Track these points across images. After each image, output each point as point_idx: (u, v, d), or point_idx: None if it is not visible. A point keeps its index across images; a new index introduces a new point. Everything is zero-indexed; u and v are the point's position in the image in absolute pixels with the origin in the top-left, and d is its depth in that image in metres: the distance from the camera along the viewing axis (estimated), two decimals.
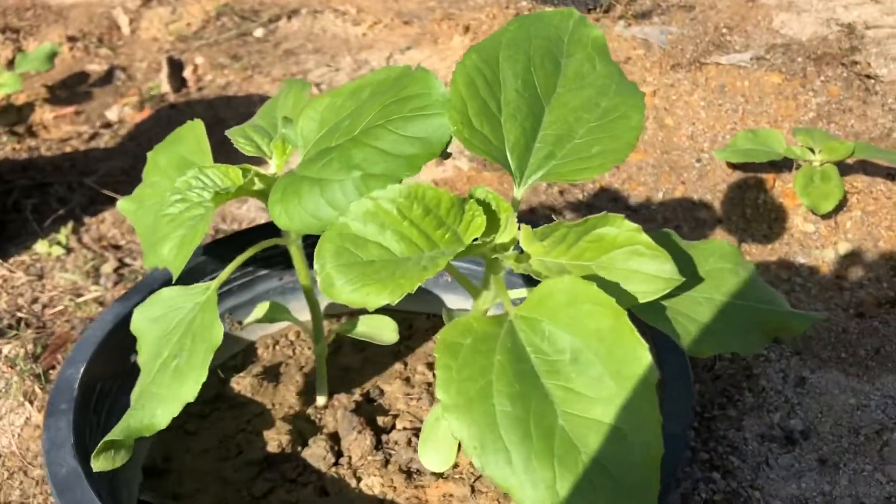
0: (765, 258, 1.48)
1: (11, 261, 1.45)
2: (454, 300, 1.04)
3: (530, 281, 0.73)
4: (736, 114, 1.77)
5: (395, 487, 0.81)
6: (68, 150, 1.85)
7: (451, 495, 0.80)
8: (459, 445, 0.75)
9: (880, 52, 1.94)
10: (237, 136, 0.80)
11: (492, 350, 0.56)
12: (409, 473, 0.83)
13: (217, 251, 0.95)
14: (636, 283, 0.60)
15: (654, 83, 1.88)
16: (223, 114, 1.96)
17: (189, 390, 0.66)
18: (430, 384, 0.95)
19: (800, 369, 1.25)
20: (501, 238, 0.65)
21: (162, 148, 0.84)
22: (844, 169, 1.59)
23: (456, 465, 0.82)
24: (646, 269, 0.59)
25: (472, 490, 0.80)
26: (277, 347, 1.01)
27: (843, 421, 1.16)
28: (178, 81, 2.10)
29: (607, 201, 1.62)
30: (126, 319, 0.85)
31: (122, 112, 2.02)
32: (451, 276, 1.01)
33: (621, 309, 0.54)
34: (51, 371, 1.22)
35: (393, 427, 0.89)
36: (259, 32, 2.28)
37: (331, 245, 0.59)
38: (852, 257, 1.47)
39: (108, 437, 0.67)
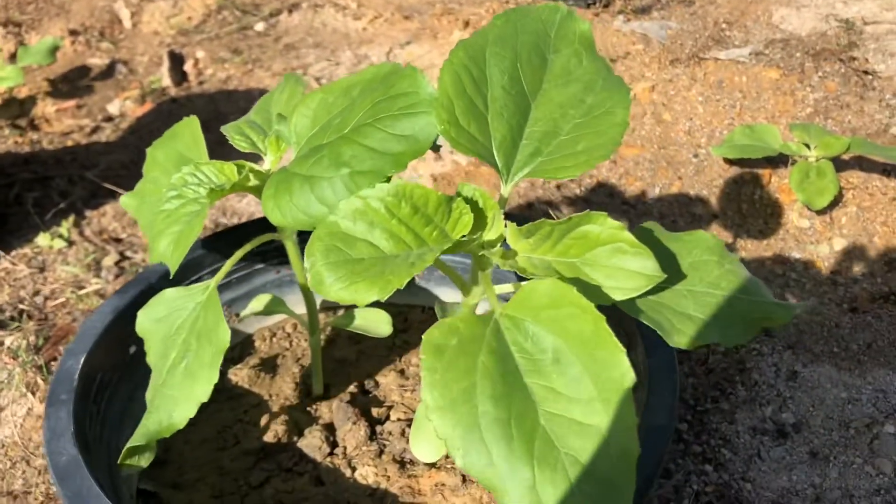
0: (760, 253, 1.49)
1: (13, 253, 1.47)
2: (448, 293, 1.06)
3: (520, 276, 0.74)
4: (734, 109, 1.78)
5: (388, 477, 0.83)
6: (70, 143, 1.86)
7: (443, 485, 0.81)
8: None
9: (878, 47, 1.94)
10: (233, 133, 0.81)
11: (477, 351, 0.58)
12: (402, 463, 0.84)
13: (215, 245, 0.96)
14: (620, 279, 0.61)
15: (652, 78, 1.89)
16: (224, 108, 1.98)
17: (202, 391, 0.68)
18: None
19: (792, 363, 1.26)
20: (489, 235, 0.66)
21: (160, 144, 0.86)
22: (840, 165, 1.60)
23: (447, 456, 0.83)
24: (629, 265, 0.61)
25: (464, 479, 0.81)
26: (274, 339, 1.02)
27: (835, 414, 1.18)
28: (179, 75, 2.11)
29: (604, 196, 1.63)
30: (125, 311, 0.87)
31: (124, 106, 2.03)
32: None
33: (601, 315, 0.55)
34: (52, 362, 1.24)
35: (387, 418, 0.90)
36: (260, 26, 2.29)
37: (321, 243, 0.61)
38: (847, 253, 1.48)
39: (130, 444, 0.69)
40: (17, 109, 2.04)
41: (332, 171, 0.66)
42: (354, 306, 0.90)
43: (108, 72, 2.20)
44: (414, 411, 0.90)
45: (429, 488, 0.81)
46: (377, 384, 0.96)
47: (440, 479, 0.81)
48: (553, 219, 1.58)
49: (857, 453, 1.12)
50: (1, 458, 1.12)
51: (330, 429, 0.89)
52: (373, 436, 0.87)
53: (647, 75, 1.89)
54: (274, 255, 1.02)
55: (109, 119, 1.99)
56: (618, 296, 0.62)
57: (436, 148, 0.70)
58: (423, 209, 0.63)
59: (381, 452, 0.85)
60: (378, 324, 0.85)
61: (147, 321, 0.75)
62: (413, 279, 1.07)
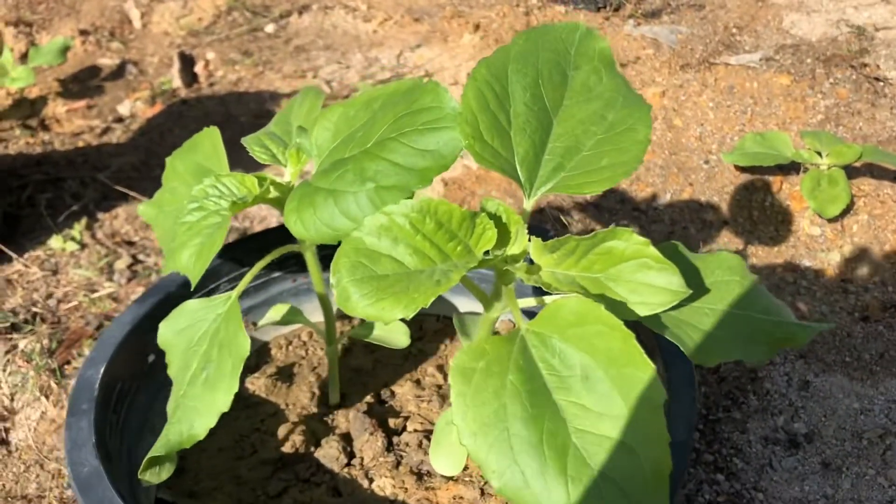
0: (771, 261, 1.49)
1: (26, 256, 1.47)
2: (465, 303, 1.06)
3: (540, 290, 0.74)
4: (744, 115, 1.78)
5: (406, 489, 0.83)
6: (81, 144, 1.87)
7: (461, 497, 0.82)
8: None
9: (890, 54, 1.94)
10: (253, 145, 0.82)
11: (504, 370, 0.58)
12: (419, 475, 0.85)
13: (232, 254, 0.96)
14: (644, 294, 0.61)
15: (663, 83, 1.89)
16: (234, 110, 1.98)
17: (223, 401, 0.68)
18: (440, 386, 0.97)
19: (804, 373, 1.26)
20: (512, 250, 0.66)
21: (179, 154, 0.86)
22: (852, 172, 1.60)
23: (466, 468, 0.83)
24: (654, 281, 0.61)
25: (482, 493, 0.82)
26: (290, 348, 1.03)
27: (847, 425, 1.18)
28: (189, 77, 2.11)
29: (615, 202, 1.63)
30: (143, 321, 0.87)
31: (134, 107, 2.04)
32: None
33: (630, 332, 0.56)
34: (66, 366, 1.25)
35: (404, 429, 0.91)
36: (270, 28, 2.29)
37: (346, 260, 0.61)
38: (858, 261, 1.48)
39: (151, 454, 0.70)
40: (27, 110, 2.04)
41: (357, 186, 0.67)
42: None
43: (119, 72, 2.20)
44: (431, 422, 0.91)
45: (446, 501, 0.81)
46: (393, 394, 0.96)
47: (458, 491, 0.82)
48: (564, 225, 1.58)
49: (870, 464, 1.12)
50: (15, 461, 1.12)
51: (347, 439, 0.89)
52: (390, 446, 0.87)
53: (658, 80, 1.89)
54: (291, 263, 1.02)
55: (120, 120, 1.99)
56: (643, 311, 0.62)
57: None
58: (447, 224, 0.63)
59: (398, 464, 0.86)
60: (396, 335, 0.85)
61: (169, 333, 0.76)
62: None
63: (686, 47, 2.02)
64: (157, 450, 0.69)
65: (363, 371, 0.99)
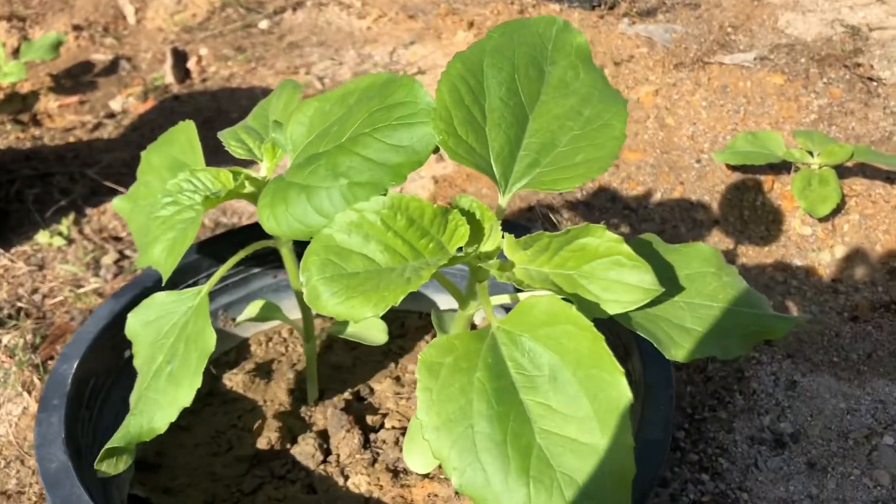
0: (761, 260, 1.48)
1: (13, 251, 1.47)
2: (445, 300, 1.05)
3: (517, 288, 0.74)
4: (737, 114, 1.77)
5: (381, 486, 0.82)
6: (72, 139, 1.86)
7: (435, 495, 0.81)
8: None
9: (884, 54, 1.93)
10: (229, 139, 0.81)
11: (473, 367, 0.57)
12: (395, 473, 0.84)
13: (211, 249, 0.96)
14: (617, 292, 0.61)
15: (656, 82, 1.88)
16: (226, 106, 1.97)
17: (185, 396, 0.68)
18: None
19: (791, 372, 1.25)
20: (485, 247, 0.65)
21: (155, 148, 0.85)
22: (843, 172, 1.59)
23: (441, 467, 0.83)
24: (626, 279, 0.60)
25: (457, 491, 0.81)
26: (270, 344, 1.02)
27: (833, 425, 1.17)
28: (181, 72, 2.11)
29: (606, 201, 1.62)
30: (120, 316, 0.86)
31: (126, 102, 2.03)
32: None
33: (599, 334, 0.55)
34: (49, 361, 1.24)
35: (381, 426, 0.90)
36: (264, 24, 2.28)
37: (316, 258, 0.60)
38: (849, 260, 1.47)
39: (109, 444, 0.69)
40: (19, 105, 2.03)
41: (330, 182, 0.66)
42: None
43: (112, 68, 2.20)
44: (409, 419, 0.90)
45: (421, 498, 0.81)
46: (372, 391, 0.95)
47: (433, 489, 0.81)
48: (553, 223, 1.57)
49: (856, 464, 1.11)
50: None
51: (324, 436, 0.88)
52: (366, 444, 0.87)
53: (651, 79, 1.89)
54: (271, 259, 1.01)
55: (112, 116, 1.98)
56: (615, 309, 0.61)
57: (436, 149, 0.70)
58: (419, 221, 0.63)
59: (374, 461, 0.85)
60: (373, 331, 0.85)
61: (137, 324, 0.75)
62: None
63: (680, 46, 2.01)
64: (115, 441, 0.68)
65: (343, 368, 0.98)
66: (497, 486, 0.52)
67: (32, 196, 1.61)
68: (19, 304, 1.35)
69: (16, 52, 2.20)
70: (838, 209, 1.54)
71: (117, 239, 1.51)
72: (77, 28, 2.31)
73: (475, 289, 0.68)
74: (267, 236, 0.83)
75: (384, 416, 0.91)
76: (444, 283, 0.69)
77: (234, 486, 0.84)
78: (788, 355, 1.29)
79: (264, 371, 0.98)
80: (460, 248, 0.64)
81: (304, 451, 0.86)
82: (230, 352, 1.01)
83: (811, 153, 1.54)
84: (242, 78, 2.07)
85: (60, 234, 1.49)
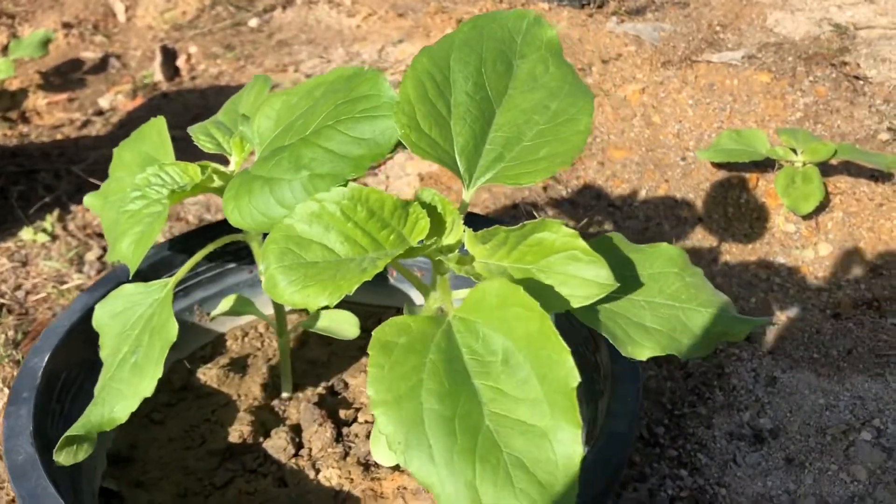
0: (745, 257, 1.48)
1: None
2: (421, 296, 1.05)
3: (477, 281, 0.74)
4: (723, 112, 1.77)
5: (352, 479, 0.83)
6: (59, 137, 1.87)
7: (405, 488, 0.81)
8: None
9: (870, 52, 1.93)
10: (198, 134, 0.81)
11: (426, 349, 0.57)
12: (366, 466, 0.84)
13: (185, 245, 0.96)
14: (573, 287, 0.61)
15: (643, 80, 1.88)
16: (214, 103, 1.98)
17: (146, 386, 0.68)
18: None
19: (772, 369, 1.26)
20: (447, 240, 0.66)
21: (127, 144, 0.86)
22: (828, 169, 1.59)
23: None
24: (582, 273, 0.60)
25: None
26: (246, 339, 1.02)
27: (812, 420, 1.17)
28: (171, 70, 2.11)
29: (591, 198, 1.62)
30: (93, 310, 0.86)
31: (115, 100, 2.03)
32: (420, 273, 1.02)
33: (545, 313, 0.55)
34: None
35: (354, 420, 0.90)
36: (253, 22, 2.28)
37: (275, 246, 0.61)
38: (832, 258, 1.47)
39: (69, 433, 0.69)
40: (8, 102, 2.04)
41: (292, 174, 0.66)
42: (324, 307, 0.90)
43: (101, 65, 2.20)
44: None
45: (391, 491, 0.81)
46: (347, 385, 0.96)
47: (403, 482, 0.81)
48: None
49: (833, 460, 1.12)
50: None
51: (296, 430, 0.89)
52: (339, 438, 0.87)
53: (639, 77, 1.89)
54: (246, 253, 1.02)
55: (100, 113, 1.99)
56: (573, 303, 0.62)
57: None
58: (380, 213, 0.63)
59: (346, 454, 0.85)
60: (345, 325, 0.85)
61: (104, 315, 0.76)
62: (387, 280, 1.07)
63: (668, 44, 2.01)
64: (75, 429, 0.69)
65: (318, 363, 0.98)
66: (441, 464, 0.52)
67: (17, 193, 1.61)
68: (1, 301, 1.35)
69: (4, 50, 2.20)
70: (822, 207, 1.54)
71: (101, 235, 1.52)
72: (67, 25, 2.32)
73: (437, 281, 0.68)
74: (238, 231, 0.83)
75: (357, 410, 0.91)
76: (407, 276, 0.69)
77: (206, 480, 0.84)
78: (769, 351, 1.29)
79: (239, 366, 0.98)
80: (421, 241, 0.64)
81: (277, 444, 0.86)
82: (206, 346, 1.01)
83: (795, 151, 1.54)
84: (231, 76, 2.07)
85: (44, 230, 1.49)
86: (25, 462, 0.70)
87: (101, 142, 1.84)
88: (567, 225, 1.67)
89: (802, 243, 1.51)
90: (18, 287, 1.38)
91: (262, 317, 0.90)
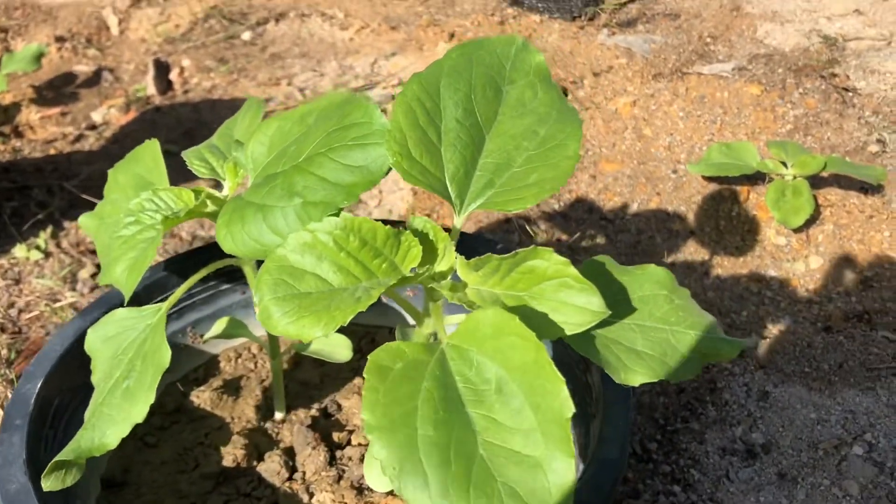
0: (736, 270, 1.49)
1: None
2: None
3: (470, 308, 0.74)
4: (714, 125, 1.78)
5: (345, 503, 0.83)
6: (52, 151, 1.86)
7: None
8: None
9: (860, 64, 1.95)
10: (192, 159, 0.82)
11: (420, 376, 0.58)
12: (360, 490, 0.84)
13: (178, 267, 0.96)
14: (566, 314, 0.61)
15: (634, 93, 1.89)
16: (207, 117, 1.98)
17: (138, 412, 0.68)
18: None
19: (763, 383, 1.26)
20: (439, 267, 0.66)
21: (121, 166, 0.86)
22: (819, 182, 1.60)
23: None
24: (574, 301, 0.61)
25: None
26: (240, 361, 1.02)
27: (804, 435, 1.18)
28: (163, 84, 2.11)
29: (583, 211, 1.63)
30: (85, 334, 0.86)
31: (108, 114, 2.03)
32: (412, 293, 1.03)
33: (541, 343, 0.55)
34: None
35: (348, 443, 0.90)
36: (246, 35, 2.29)
37: (269, 277, 0.61)
38: (823, 271, 1.48)
39: (58, 457, 0.69)
40: (1, 116, 2.03)
41: (285, 201, 0.67)
42: None
43: (94, 79, 2.20)
44: None
45: None
46: (340, 407, 0.96)
47: None
48: (529, 235, 1.57)
49: (825, 475, 1.12)
50: None
51: (290, 453, 0.89)
52: (332, 461, 0.87)
53: (630, 90, 1.90)
54: (240, 274, 1.02)
55: (93, 127, 1.99)
56: (566, 330, 0.62)
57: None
58: (372, 242, 0.63)
59: (339, 478, 0.85)
60: (337, 348, 0.85)
61: (96, 339, 0.76)
62: (380, 299, 1.07)
63: (659, 57, 2.02)
64: (65, 454, 0.69)
65: (311, 385, 0.99)
66: (436, 491, 0.52)
67: (10, 209, 1.61)
68: None
69: None
70: (813, 219, 1.55)
71: (94, 253, 1.52)
72: (60, 39, 2.32)
73: (430, 308, 0.69)
74: (231, 256, 0.83)
75: (351, 433, 0.91)
76: (400, 303, 0.70)
77: None
78: (760, 366, 1.29)
79: (232, 388, 0.98)
80: (413, 269, 0.65)
81: (270, 468, 0.86)
82: (199, 369, 1.01)
83: (785, 164, 1.55)
84: (224, 89, 2.07)
85: (38, 247, 1.49)
86: (19, 492, 0.70)
87: (93, 156, 1.84)
88: (560, 239, 1.67)
89: (793, 256, 1.52)
90: (11, 305, 1.38)
91: (254, 339, 0.90)
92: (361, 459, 0.87)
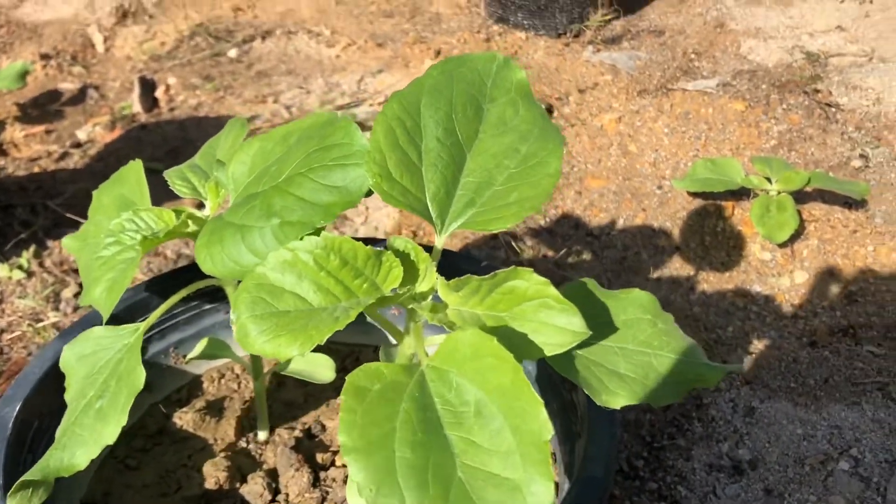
0: (722, 286, 1.49)
1: None
2: None
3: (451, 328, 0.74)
4: (699, 141, 1.79)
5: None
6: (37, 170, 1.85)
7: None
8: None
9: (842, 80, 1.97)
10: (174, 178, 0.81)
11: (399, 398, 0.57)
12: None
13: (160, 287, 0.95)
14: (546, 334, 0.61)
15: (619, 109, 1.90)
16: (193, 134, 1.97)
17: (110, 433, 0.67)
18: None
19: (749, 399, 1.26)
20: (420, 287, 0.66)
21: (105, 187, 0.85)
22: (803, 197, 1.61)
23: None
24: (555, 321, 0.61)
25: None
26: (223, 381, 1.02)
27: (790, 451, 1.18)
28: (149, 101, 2.11)
29: (569, 227, 1.63)
30: None
31: (93, 132, 2.02)
32: (396, 311, 1.02)
33: (518, 365, 0.55)
34: None
35: (332, 464, 0.90)
36: (233, 53, 2.29)
37: (247, 295, 0.60)
38: (808, 285, 1.49)
39: (25, 477, 0.68)
40: None
41: (264, 221, 0.66)
42: None
43: (80, 97, 2.19)
44: None
45: None
46: (324, 428, 0.95)
47: None
48: (516, 251, 1.57)
49: (812, 490, 1.12)
50: None
51: (273, 475, 0.88)
52: (316, 482, 0.86)
53: (615, 106, 1.91)
54: (222, 294, 1.01)
55: (78, 145, 1.98)
56: (546, 351, 0.62)
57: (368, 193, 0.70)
58: (353, 262, 0.63)
59: (323, 500, 0.84)
60: (320, 368, 0.85)
61: (72, 357, 0.75)
62: (365, 318, 1.07)
63: (644, 73, 2.04)
64: (32, 474, 0.68)
65: (294, 405, 0.98)
66: None
67: None
68: None
69: None
70: (798, 234, 1.56)
71: (78, 272, 1.50)
72: (45, 57, 2.31)
73: (410, 329, 0.68)
74: (211, 276, 0.83)
75: (334, 453, 0.91)
76: (382, 323, 0.69)
77: None
78: (747, 382, 1.30)
79: (215, 409, 0.97)
80: (394, 289, 0.64)
81: (253, 490, 0.85)
82: (182, 389, 1.01)
83: (769, 179, 1.56)
84: (210, 107, 2.07)
85: (20, 267, 1.48)
86: None
87: (78, 175, 1.83)
88: (546, 255, 1.66)
89: (778, 271, 1.53)
90: None
91: (236, 359, 0.90)
92: (345, 481, 0.86)
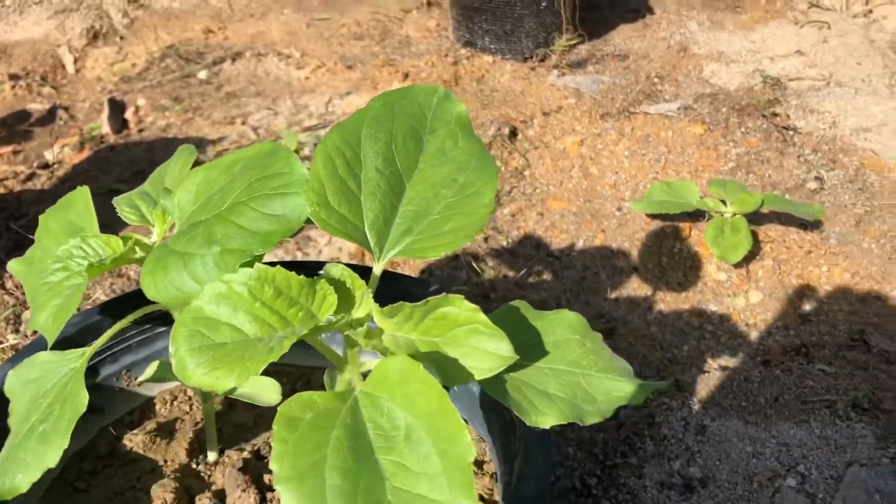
0: (678, 306, 1.52)
1: None
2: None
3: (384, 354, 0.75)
4: (658, 163, 1.83)
5: None
6: (2, 190, 1.86)
7: None
8: None
9: (800, 104, 2.02)
10: (123, 205, 0.83)
11: (331, 426, 0.59)
12: None
13: (113, 311, 0.97)
14: (477, 359, 0.63)
15: (582, 132, 1.93)
16: (160, 156, 1.99)
17: (52, 457, 0.68)
18: None
19: (701, 417, 1.29)
20: (356, 314, 0.68)
21: (52, 212, 0.87)
22: (759, 218, 1.65)
23: None
24: (484, 346, 0.63)
25: None
26: (175, 403, 1.03)
27: (740, 468, 1.20)
28: (118, 123, 2.12)
29: (531, 248, 1.66)
30: None
31: (61, 153, 2.03)
32: None
33: (444, 390, 0.57)
34: None
35: None
36: (203, 74, 2.31)
37: (185, 329, 0.62)
38: (762, 305, 1.52)
39: None
40: None
41: (205, 249, 0.68)
42: None
43: (49, 117, 2.20)
44: None
45: None
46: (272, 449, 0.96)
47: None
48: (476, 272, 1.59)
49: None
50: None
51: (220, 496, 0.89)
52: (262, 503, 0.88)
53: (577, 129, 1.94)
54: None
55: (46, 166, 1.98)
56: (477, 375, 0.64)
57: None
58: (287, 292, 0.65)
59: None
60: (265, 392, 0.86)
61: (16, 382, 0.76)
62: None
63: (607, 97, 2.08)
64: None
65: (244, 427, 0.99)
66: None
67: None
68: None
69: None
70: (753, 255, 1.60)
71: None
72: (14, 77, 2.32)
73: (347, 355, 0.70)
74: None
75: None
76: (320, 349, 0.71)
77: None
78: (699, 400, 1.32)
79: (166, 431, 0.98)
80: (330, 317, 0.66)
81: None
82: (134, 412, 1.01)
83: (724, 202, 1.60)
84: (179, 128, 2.08)
85: None
86: None
87: (44, 196, 1.84)
88: (507, 275, 1.68)
89: (734, 291, 1.56)
90: None
91: (184, 383, 0.91)
92: None
